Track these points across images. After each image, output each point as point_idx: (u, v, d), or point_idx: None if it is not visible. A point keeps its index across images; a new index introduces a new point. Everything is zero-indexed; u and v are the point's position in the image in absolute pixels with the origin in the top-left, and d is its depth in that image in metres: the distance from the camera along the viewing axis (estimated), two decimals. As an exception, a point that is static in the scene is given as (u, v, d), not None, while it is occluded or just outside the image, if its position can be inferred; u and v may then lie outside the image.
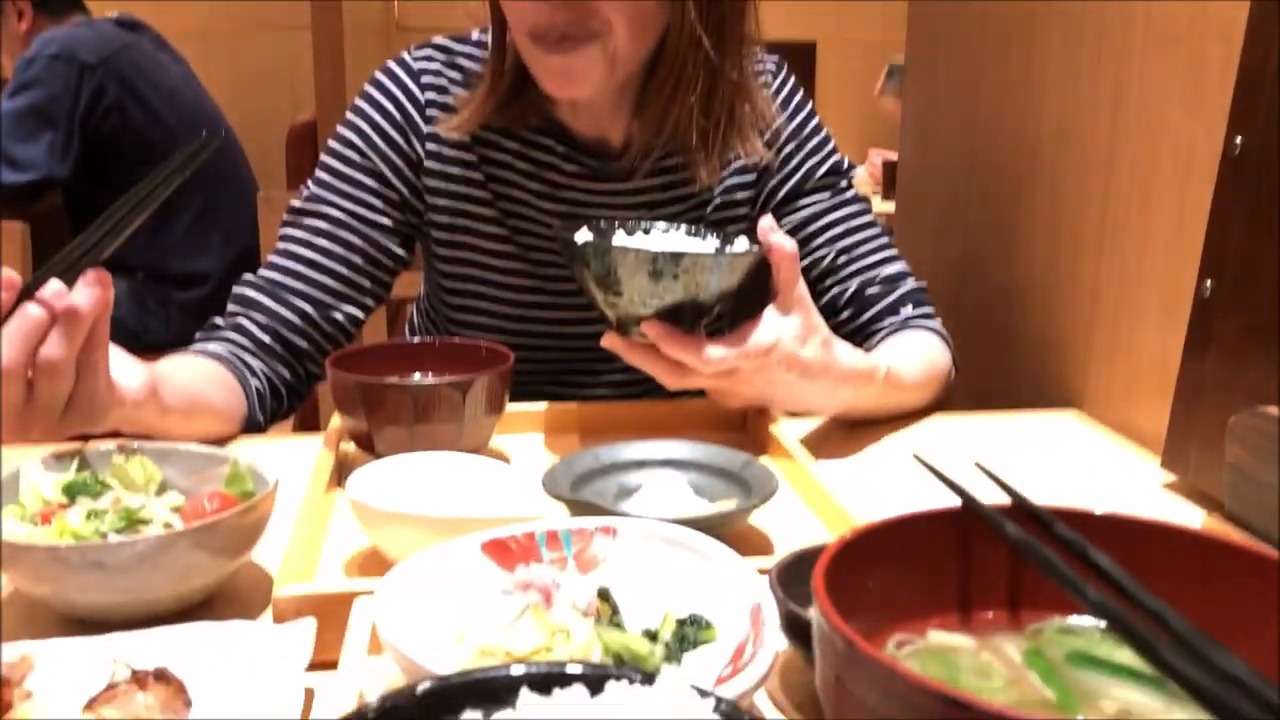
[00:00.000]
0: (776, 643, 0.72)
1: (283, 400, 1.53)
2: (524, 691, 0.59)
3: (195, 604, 0.96)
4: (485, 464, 1.07)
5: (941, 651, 0.64)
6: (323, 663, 0.84)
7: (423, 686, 0.60)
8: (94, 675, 0.80)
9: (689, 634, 0.80)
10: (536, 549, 0.87)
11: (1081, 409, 1.61)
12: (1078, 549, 0.60)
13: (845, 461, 1.36)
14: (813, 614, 0.59)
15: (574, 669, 0.61)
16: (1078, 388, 1.65)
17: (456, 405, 1.17)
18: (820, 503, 1.12)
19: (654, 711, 0.56)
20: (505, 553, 0.87)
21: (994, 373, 1.88)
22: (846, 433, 1.47)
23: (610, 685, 0.58)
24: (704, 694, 0.58)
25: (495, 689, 0.61)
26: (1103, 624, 0.66)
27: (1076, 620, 0.67)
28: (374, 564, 1.01)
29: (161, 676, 0.76)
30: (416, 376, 1.34)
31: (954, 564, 0.68)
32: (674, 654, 0.78)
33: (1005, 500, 0.69)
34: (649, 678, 0.59)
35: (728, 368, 1.21)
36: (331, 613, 0.87)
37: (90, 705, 0.73)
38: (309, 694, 0.84)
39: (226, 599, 0.99)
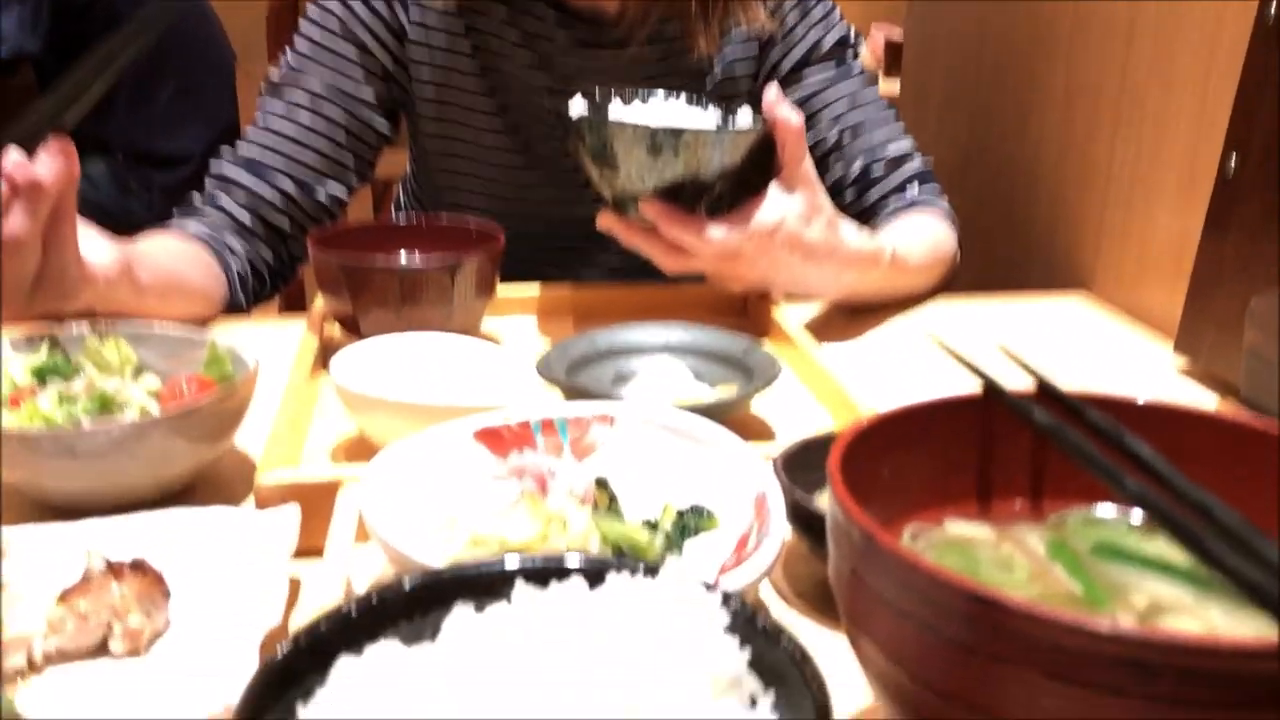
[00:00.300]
0: (782, 532, 0.69)
1: (265, 282, 1.48)
2: (519, 584, 0.55)
3: (175, 491, 0.92)
4: (476, 347, 1.02)
5: (959, 543, 0.61)
6: (308, 550, 0.81)
7: (412, 579, 0.57)
8: (68, 565, 0.77)
9: (690, 523, 0.77)
10: (531, 436, 0.83)
11: (1091, 291, 1.57)
12: (1112, 436, 0.56)
13: (849, 346, 1.32)
14: (827, 503, 0.55)
15: (572, 560, 0.58)
16: (1088, 269, 1.60)
17: (445, 287, 1.12)
18: (825, 389, 1.08)
19: (657, 606, 0.52)
20: (498, 440, 0.83)
21: (1001, 254, 1.83)
22: (849, 318, 1.43)
23: (610, 577, 0.54)
24: (709, 587, 0.54)
25: (489, 581, 0.57)
26: (1130, 515, 0.62)
27: (1102, 510, 0.63)
28: (361, 450, 0.97)
29: (138, 567, 0.73)
30: (403, 257, 1.28)
31: (973, 452, 0.64)
32: (674, 544, 0.75)
33: (1029, 386, 0.64)
34: (651, 570, 0.56)
35: (730, 250, 1.16)
36: (317, 500, 0.84)
37: (64, 597, 0.70)
38: (294, 583, 0.81)
39: (207, 486, 0.96)
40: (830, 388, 1.06)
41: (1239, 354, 1.15)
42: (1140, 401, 0.61)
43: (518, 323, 1.33)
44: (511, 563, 0.58)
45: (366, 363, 0.99)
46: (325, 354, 1.19)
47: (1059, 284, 1.63)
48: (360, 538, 0.78)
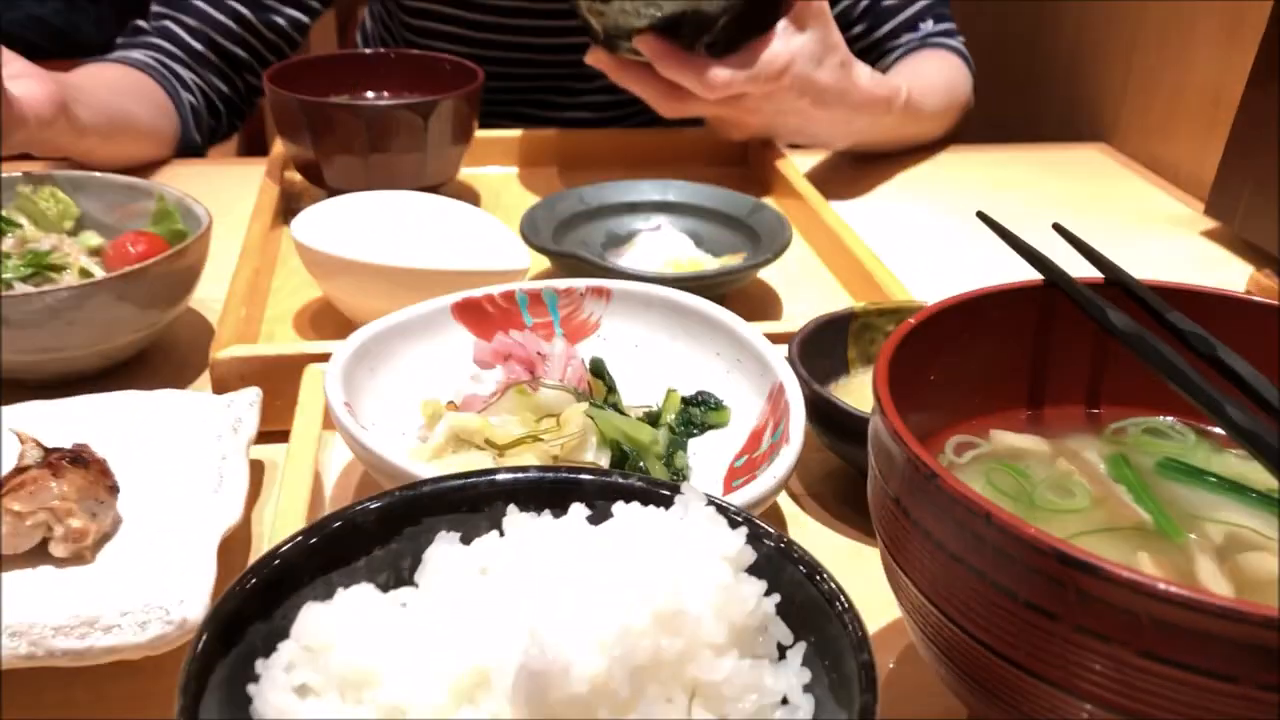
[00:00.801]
0: (800, 435, 0.61)
1: (221, 118, 1.35)
2: (511, 509, 0.48)
3: (120, 364, 0.84)
4: (452, 206, 0.92)
5: (1009, 457, 0.53)
6: (271, 434, 0.74)
7: (388, 498, 0.49)
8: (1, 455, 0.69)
9: (696, 415, 0.69)
10: (518, 313, 0.75)
11: (1111, 143, 1.47)
12: (1203, 347, 0.48)
13: (858, 203, 1.23)
14: (871, 418, 0.47)
15: (566, 477, 0.50)
16: (1109, 119, 1.49)
17: (417, 131, 1.01)
18: (835, 252, 1.00)
19: (671, 542, 0.45)
20: (481, 316, 0.74)
21: (1014, 100, 1.72)
22: (856, 167, 1.33)
23: (618, 507, 0.47)
24: (733, 518, 0.47)
25: (475, 500, 0.50)
26: (1194, 426, 0.55)
27: (1164, 419, 0.56)
28: (327, 319, 0.89)
29: (80, 458, 0.65)
30: (371, 96, 1.16)
31: (1024, 352, 0.56)
32: (679, 440, 0.67)
33: (1092, 276, 0.56)
34: (660, 494, 0.48)
35: (734, 93, 1.05)
36: (279, 378, 0.76)
37: (-6, 495, 0.62)
38: (256, 467, 0.74)
39: (159, 356, 0.87)
40: (841, 250, 0.98)
41: (1277, 218, 1.07)
42: (1232, 297, 0.53)
43: (497, 175, 1.22)
44: (499, 480, 0.50)
45: (332, 222, 0.89)
46: (288, 206, 1.09)
47: (1077, 135, 1.53)
48: (329, 425, 0.71)
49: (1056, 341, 0.56)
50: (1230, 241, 1.16)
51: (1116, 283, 0.54)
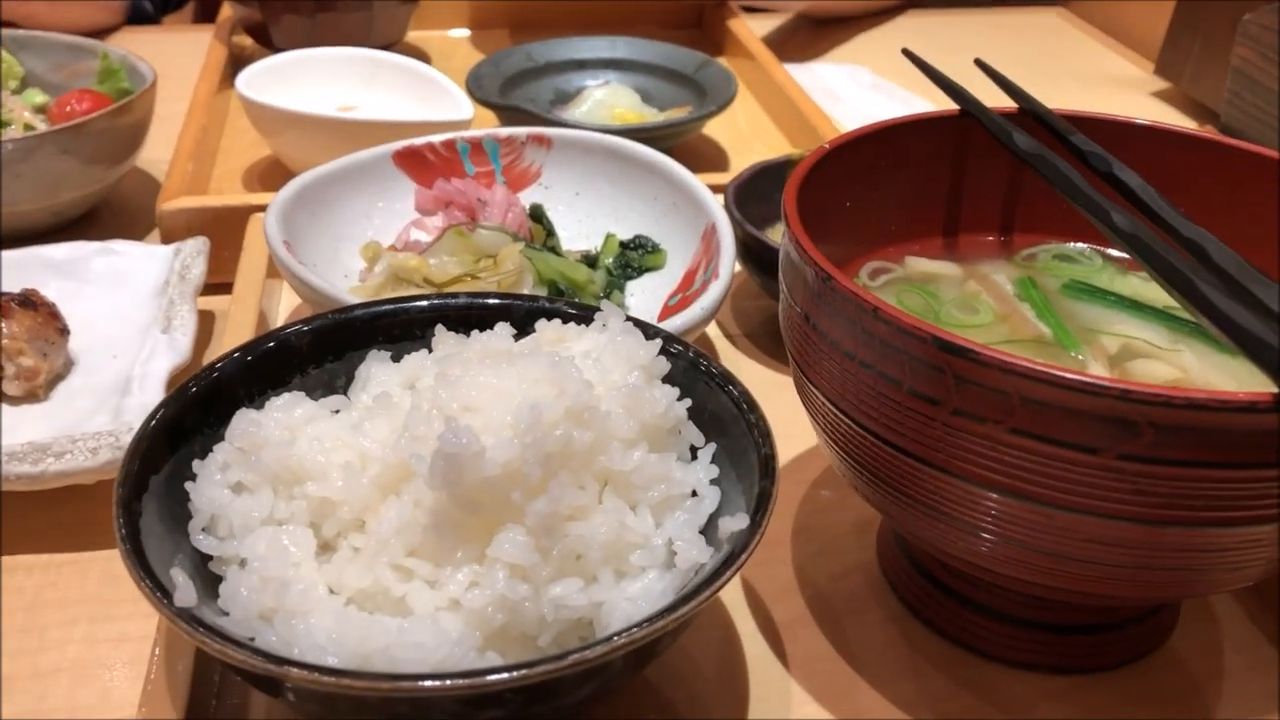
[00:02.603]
0: (729, 271, 0.63)
1: (173, -15, 1.34)
2: (439, 329, 0.50)
3: (71, 220, 0.85)
4: (399, 62, 0.92)
5: (922, 280, 0.56)
6: (220, 286, 0.75)
7: (318, 320, 0.51)
8: (-49, 301, 0.70)
9: (633, 259, 0.71)
10: (459, 161, 0.76)
11: (1067, 6, 1.46)
12: (1100, 164, 0.50)
13: (812, 67, 1.23)
14: (781, 240, 0.49)
15: (495, 301, 0.52)
16: (1067, -17, 1.49)
17: (365, -9, 1.00)
18: (784, 110, 1.00)
19: (591, 353, 0.47)
20: (422, 164, 0.75)
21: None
22: (812, 32, 1.33)
23: (540, 324, 0.49)
24: (649, 332, 0.49)
25: (406, 324, 0.52)
26: (1103, 252, 0.58)
27: (1074, 245, 0.59)
28: (275, 176, 0.89)
29: (29, 301, 0.66)
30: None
31: (942, 182, 0.58)
32: (616, 281, 0.69)
33: (1009, 107, 0.58)
34: (583, 314, 0.50)
35: None
36: (226, 229, 0.77)
37: (-55, 336, 0.64)
38: (206, 318, 0.75)
39: (108, 214, 0.88)
40: (790, 109, 0.98)
41: (1224, 77, 1.08)
42: (1132, 123, 0.55)
43: (447, 37, 1.21)
44: (431, 303, 0.52)
45: (280, 79, 0.89)
46: (234, 68, 1.08)
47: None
48: (275, 275, 0.72)
49: (971, 170, 0.58)
50: (1179, 101, 1.17)
51: (1029, 111, 0.56)
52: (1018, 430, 0.38)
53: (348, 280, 0.69)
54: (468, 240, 0.67)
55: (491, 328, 0.50)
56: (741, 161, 0.95)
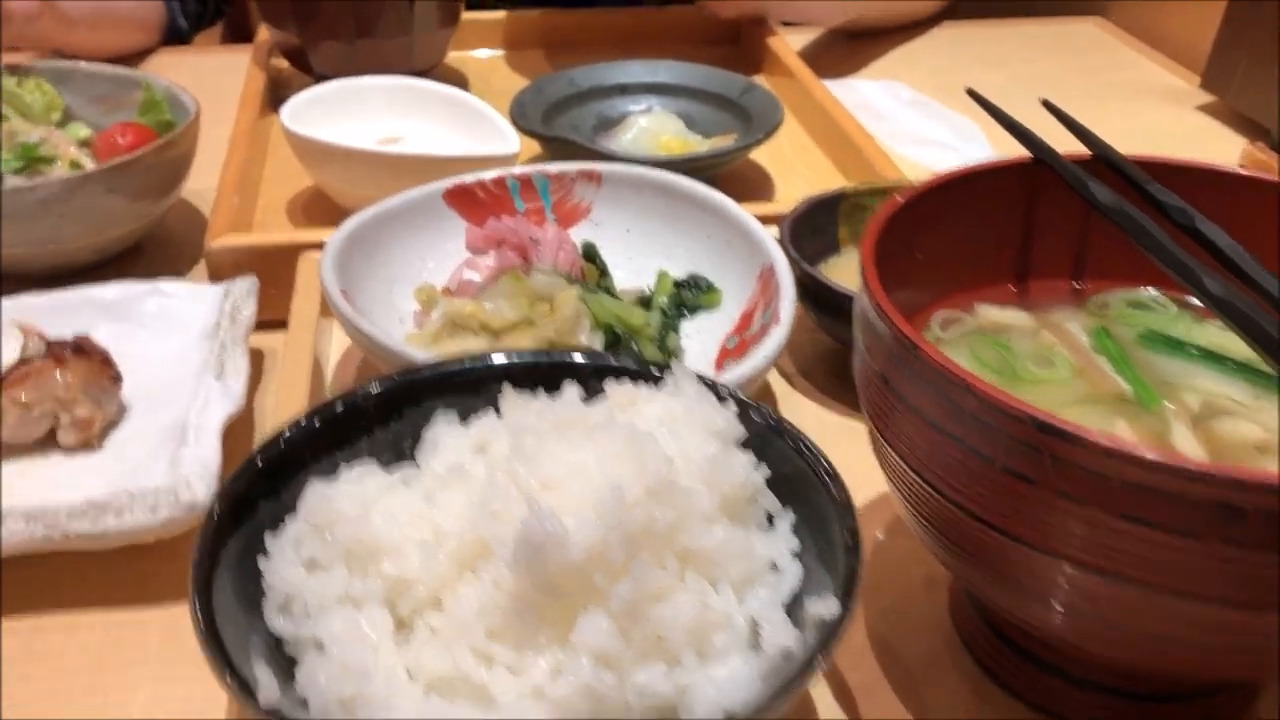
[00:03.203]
0: (790, 315, 0.62)
1: (209, 2, 1.33)
2: (506, 388, 0.49)
3: (116, 254, 0.84)
4: (443, 92, 0.91)
5: (994, 331, 0.54)
6: (269, 322, 0.74)
7: (391, 383, 0.50)
8: (3, 346, 0.70)
9: (687, 298, 0.70)
10: (509, 198, 0.75)
11: (1106, 16, 1.44)
12: (1182, 219, 0.49)
13: (851, 83, 1.21)
14: (857, 298, 0.48)
15: (562, 359, 0.51)
16: (1107, -8, 1.47)
17: (404, 15, 0.99)
18: (828, 131, 0.99)
19: (663, 417, 0.46)
20: (472, 202, 0.74)
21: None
22: (847, 46, 1.31)
23: (609, 384, 0.48)
24: (721, 392, 0.48)
25: (470, 383, 0.51)
26: (1177, 297, 0.56)
27: (1147, 291, 0.57)
28: (319, 207, 0.89)
29: (82, 349, 0.66)
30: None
31: (1011, 227, 0.57)
32: (671, 322, 0.68)
33: (1080, 151, 0.56)
34: (654, 373, 0.50)
35: None
36: (275, 267, 0.76)
37: (2, 386, 0.63)
38: (255, 355, 0.75)
39: (153, 248, 0.88)
40: (833, 130, 0.97)
41: (1274, 91, 1.06)
42: (1211, 169, 0.53)
43: (484, 58, 1.21)
44: (496, 363, 0.51)
45: (322, 108, 0.89)
46: (275, 93, 1.08)
47: (1071, 8, 1.50)
48: (326, 313, 0.72)
49: (1042, 217, 0.57)
50: (1225, 115, 1.15)
51: (1102, 158, 0.55)
52: (1117, 513, 0.37)
53: (403, 325, 0.68)
54: (523, 284, 0.66)
55: (557, 384, 0.49)
56: (788, 186, 0.94)
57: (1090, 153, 0.56)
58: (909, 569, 0.57)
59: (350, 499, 0.43)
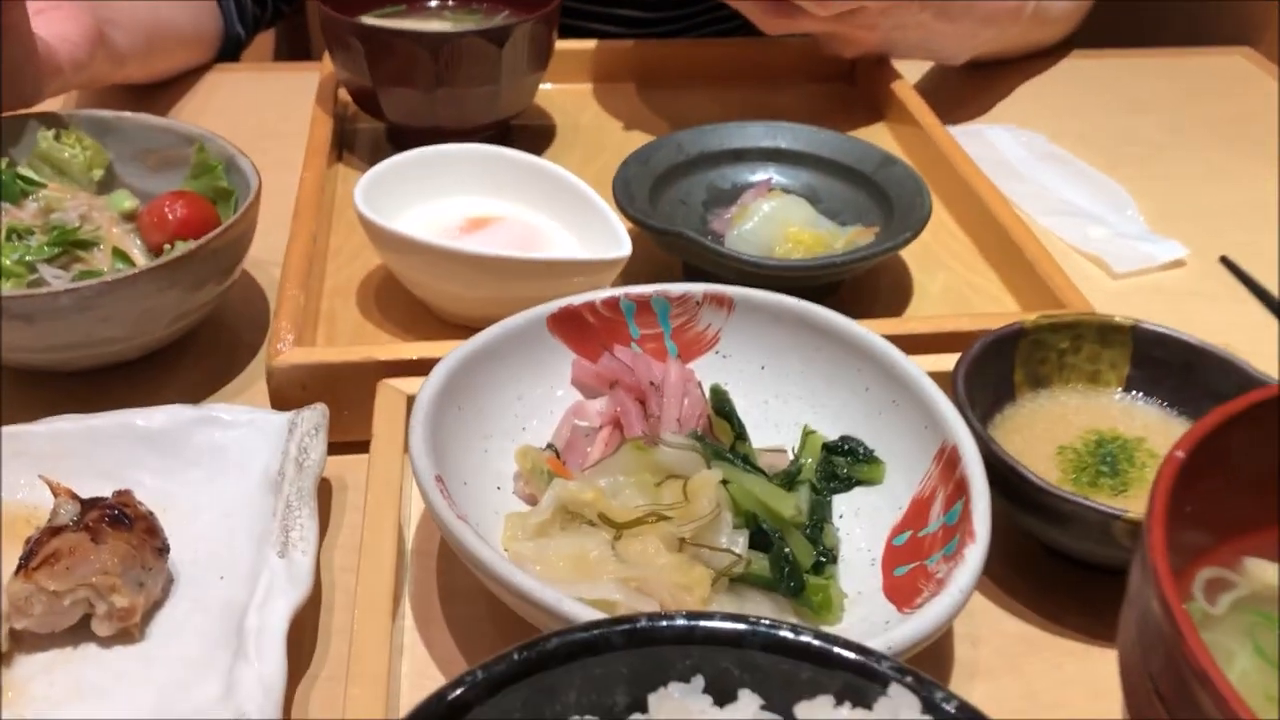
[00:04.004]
0: (987, 526, 0.50)
1: (267, 5, 1.22)
2: (665, 698, 0.38)
3: (158, 350, 0.73)
4: (539, 167, 0.79)
5: (1269, 601, 0.43)
6: (338, 444, 0.64)
7: (506, 666, 0.39)
8: (24, 498, 0.59)
9: (840, 466, 0.58)
10: (622, 323, 0.63)
11: (1257, 47, 1.29)
12: None
13: (979, 130, 1.08)
14: (1138, 578, 0.37)
15: (776, 634, 0.40)
16: (1256, 18, 1.31)
17: (492, 62, 0.87)
18: (968, 206, 0.86)
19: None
20: (580, 328, 0.63)
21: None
22: (965, 80, 1.18)
23: (803, 709, 0.37)
24: (929, 702, 0.37)
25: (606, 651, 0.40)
26: None
27: None
28: (395, 292, 0.77)
29: (123, 516, 0.55)
30: (433, 3, 1.02)
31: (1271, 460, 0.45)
32: (823, 503, 0.57)
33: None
34: (856, 682, 0.38)
35: (848, 8, 0.91)
36: (348, 387, 0.66)
37: (24, 570, 0.53)
38: (324, 490, 0.65)
39: (206, 333, 0.77)
40: (977, 207, 0.85)
41: None
42: None
43: (572, 91, 1.08)
44: (634, 658, 0.40)
45: (399, 180, 0.77)
46: (341, 128, 0.97)
47: (1214, 38, 1.35)
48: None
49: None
50: None
51: None
52: None
53: (500, 493, 0.57)
54: (648, 456, 0.54)
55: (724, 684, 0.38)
56: (933, 286, 0.81)
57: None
58: None
59: None
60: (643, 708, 0.39)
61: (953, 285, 0.81)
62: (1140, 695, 0.37)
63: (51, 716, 0.50)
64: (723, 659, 0.40)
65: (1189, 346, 0.62)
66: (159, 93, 1.07)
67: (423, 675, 0.53)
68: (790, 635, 0.40)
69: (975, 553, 0.49)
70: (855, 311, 0.64)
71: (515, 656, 0.39)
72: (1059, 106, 1.15)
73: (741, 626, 0.40)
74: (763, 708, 0.38)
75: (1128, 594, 0.39)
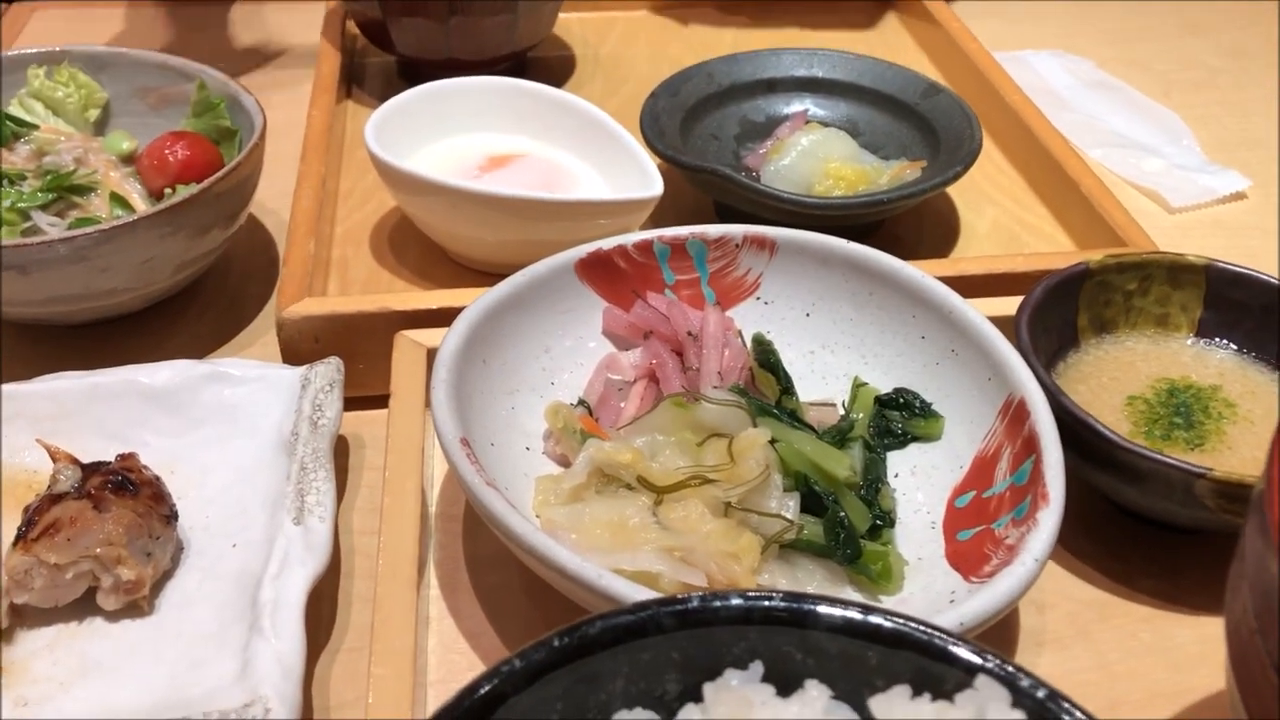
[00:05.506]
0: (1061, 489, 0.46)
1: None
2: (720, 689, 0.34)
3: (162, 298, 0.69)
4: (561, 100, 0.74)
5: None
6: (353, 399, 0.60)
7: (547, 653, 0.36)
8: (26, 461, 0.56)
9: (894, 422, 0.54)
10: (656, 268, 0.59)
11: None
12: None
13: (1023, 57, 1.01)
14: (1253, 547, 0.33)
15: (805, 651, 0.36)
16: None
17: (507, -12, 0.82)
18: (1018, 138, 0.81)
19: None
20: (611, 274, 0.58)
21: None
22: (1007, 1, 1.12)
23: (879, 704, 0.33)
24: (1016, 690, 0.33)
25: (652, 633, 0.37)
26: None
27: None
28: (409, 234, 0.73)
29: (127, 482, 0.52)
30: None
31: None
32: (877, 460, 0.53)
33: None
34: (937, 671, 0.34)
35: None
36: (362, 338, 0.62)
37: (23, 541, 0.49)
38: (340, 447, 0.61)
39: (212, 279, 0.73)
40: (1026, 139, 0.79)
41: None
42: None
43: (591, 23, 1.02)
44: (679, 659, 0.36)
45: (413, 117, 0.72)
46: (349, 74, 0.91)
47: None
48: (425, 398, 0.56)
49: None
50: None
51: None
52: None
53: (530, 454, 0.53)
54: (688, 413, 0.50)
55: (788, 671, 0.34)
56: (980, 224, 0.76)
57: None
58: None
59: None
60: (695, 696, 0.35)
61: (1002, 223, 0.76)
62: (1256, 673, 0.34)
63: (55, 697, 0.47)
64: (782, 641, 0.36)
65: (1270, 287, 0.58)
66: (156, 28, 1.01)
67: (450, 650, 0.50)
68: (859, 616, 0.36)
69: (1049, 516, 0.45)
70: (898, 253, 0.59)
71: (555, 643, 0.35)
72: (1108, 29, 1.09)
73: (805, 607, 0.36)
74: (833, 698, 0.34)
75: (1240, 565, 0.35)
